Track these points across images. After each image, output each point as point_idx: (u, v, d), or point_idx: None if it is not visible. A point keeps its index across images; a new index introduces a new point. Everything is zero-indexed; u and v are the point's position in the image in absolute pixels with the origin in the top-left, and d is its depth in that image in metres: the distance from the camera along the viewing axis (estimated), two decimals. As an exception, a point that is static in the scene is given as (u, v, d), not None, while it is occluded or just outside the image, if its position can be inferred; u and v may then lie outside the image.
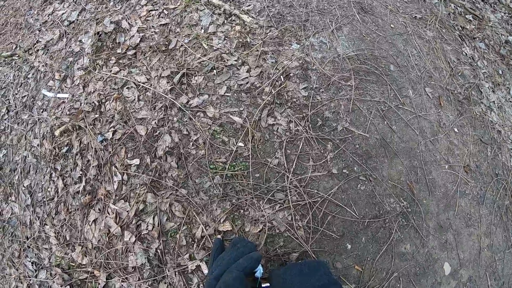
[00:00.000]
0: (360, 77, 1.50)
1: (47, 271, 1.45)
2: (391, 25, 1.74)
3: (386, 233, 1.33)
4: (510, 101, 1.89)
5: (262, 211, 1.28)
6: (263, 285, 0.83)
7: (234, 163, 1.33)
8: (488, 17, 2.08)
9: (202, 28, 1.56)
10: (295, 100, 1.41)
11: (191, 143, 1.36)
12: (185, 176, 1.34)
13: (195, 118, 1.39)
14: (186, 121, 1.39)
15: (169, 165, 1.35)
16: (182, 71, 1.45)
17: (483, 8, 2.12)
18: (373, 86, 1.50)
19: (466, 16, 2.02)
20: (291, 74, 1.45)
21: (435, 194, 1.45)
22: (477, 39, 1.96)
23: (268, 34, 1.54)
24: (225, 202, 1.29)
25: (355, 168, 1.36)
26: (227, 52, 1.49)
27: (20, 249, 1.53)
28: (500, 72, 1.94)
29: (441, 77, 1.69)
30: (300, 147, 1.35)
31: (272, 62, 1.47)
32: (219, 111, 1.39)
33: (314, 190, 1.31)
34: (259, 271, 0.79)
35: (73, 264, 1.40)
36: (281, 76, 1.44)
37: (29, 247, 1.51)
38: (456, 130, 1.61)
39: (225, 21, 1.57)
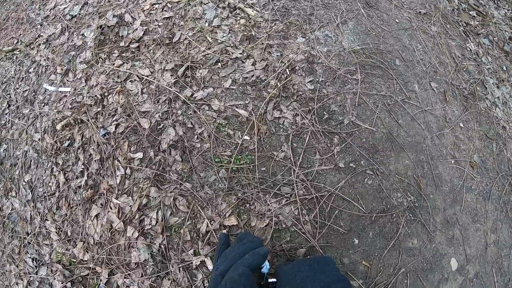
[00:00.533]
0: (365, 71, 1.49)
1: (47, 267, 1.43)
2: (396, 20, 1.73)
3: (393, 228, 1.32)
4: (515, 98, 1.89)
5: (268, 205, 1.26)
6: (270, 280, 0.81)
7: (240, 157, 1.31)
8: (492, 13, 2.08)
9: (206, 21, 1.55)
10: (301, 93, 1.39)
11: (195, 136, 1.34)
12: (190, 169, 1.32)
13: (199, 111, 1.37)
14: (191, 114, 1.37)
15: (173, 158, 1.33)
16: (187, 64, 1.43)
17: (486, 4, 2.12)
18: (379, 80, 1.49)
19: (470, 12, 2.02)
20: (296, 68, 1.44)
21: (442, 189, 1.44)
22: (481, 35, 1.95)
23: (273, 27, 1.53)
24: (230, 196, 1.27)
25: (362, 162, 1.34)
26: (232, 45, 1.47)
27: (21, 245, 1.51)
28: (505, 68, 1.93)
29: (446, 72, 1.68)
30: (306, 141, 1.33)
31: (277, 55, 1.46)
32: (224, 104, 1.37)
33: (321, 184, 1.29)
34: (266, 266, 0.77)
35: (74, 260, 1.38)
36: (287, 69, 1.43)
37: (29, 243, 1.49)
38: (461, 125, 1.60)
39: (230, 14, 1.56)
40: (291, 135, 1.33)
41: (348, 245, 1.27)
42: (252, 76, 1.41)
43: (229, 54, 1.45)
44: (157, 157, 1.34)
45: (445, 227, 1.40)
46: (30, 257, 1.48)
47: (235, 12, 1.56)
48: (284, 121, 1.35)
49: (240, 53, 1.45)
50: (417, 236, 1.34)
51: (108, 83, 1.50)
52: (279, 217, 1.25)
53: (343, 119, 1.38)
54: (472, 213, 1.48)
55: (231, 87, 1.40)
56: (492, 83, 1.81)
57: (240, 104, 1.37)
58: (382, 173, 1.35)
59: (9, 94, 1.79)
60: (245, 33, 1.49)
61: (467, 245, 1.43)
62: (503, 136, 1.70)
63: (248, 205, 1.27)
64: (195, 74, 1.44)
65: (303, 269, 0.80)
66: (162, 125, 1.37)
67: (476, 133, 1.62)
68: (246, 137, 1.32)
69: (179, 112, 1.38)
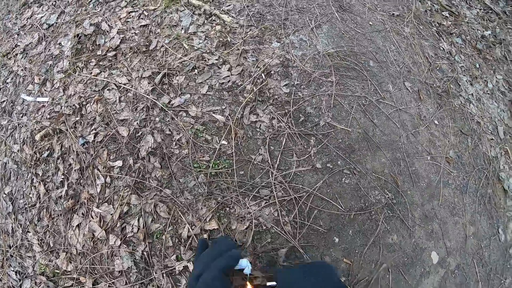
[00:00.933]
0: (340, 73, 1.52)
1: (31, 280, 1.41)
2: (370, 23, 1.77)
3: (372, 225, 1.34)
4: (488, 94, 1.94)
5: (248, 208, 1.27)
6: (268, 284, 0.82)
7: (218, 161, 1.33)
8: (464, 13, 2.14)
9: (182, 28, 1.56)
10: (276, 97, 1.42)
11: (174, 143, 1.35)
12: (169, 176, 1.32)
13: (177, 117, 1.38)
14: (169, 121, 1.38)
15: (153, 165, 1.34)
16: (163, 72, 1.45)
17: (458, 4, 2.18)
18: (353, 82, 1.52)
19: (443, 13, 2.08)
20: (272, 72, 1.46)
21: (419, 185, 1.47)
22: (454, 34, 2.01)
23: (249, 33, 1.55)
24: (210, 200, 1.29)
25: (339, 162, 1.37)
26: (208, 51, 1.49)
27: (3, 258, 1.49)
28: (477, 65, 1.99)
29: (420, 72, 1.73)
30: (283, 143, 1.35)
31: (253, 60, 1.48)
32: (201, 110, 1.38)
33: (299, 185, 1.31)
34: (248, 267, 0.79)
35: (58, 272, 1.37)
36: (262, 74, 1.45)
37: (12, 256, 1.47)
38: (436, 122, 1.64)
39: (206, 21, 1.58)
40: (268, 138, 1.35)
41: (328, 244, 1.29)
42: (228, 81, 1.43)
43: (205, 60, 1.47)
44: (137, 165, 1.34)
45: (424, 222, 1.43)
46: (13, 270, 1.46)
47: (211, 18, 1.58)
48: (260, 125, 1.37)
49: (216, 59, 1.47)
50: (396, 232, 1.37)
51: (86, 92, 1.50)
52: (259, 219, 1.27)
53: (319, 120, 1.40)
54: (450, 207, 1.52)
55: (207, 93, 1.41)
56: (466, 81, 1.87)
57: (217, 110, 1.38)
58: (359, 172, 1.38)
59: (-14, 106, 1.78)
60: (221, 39, 1.51)
61: (446, 238, 1.46)
62: (477, 131, 1.75)
63: (228, 208, 1.28)
64: (172, 81, 1.45)
65: (306, 274, 0.81)
66: (140, 132, 1.38)
67: (451, 130, 1.66)
68: (223, 142, 1.34)
69: (157, 119, 1.39)
